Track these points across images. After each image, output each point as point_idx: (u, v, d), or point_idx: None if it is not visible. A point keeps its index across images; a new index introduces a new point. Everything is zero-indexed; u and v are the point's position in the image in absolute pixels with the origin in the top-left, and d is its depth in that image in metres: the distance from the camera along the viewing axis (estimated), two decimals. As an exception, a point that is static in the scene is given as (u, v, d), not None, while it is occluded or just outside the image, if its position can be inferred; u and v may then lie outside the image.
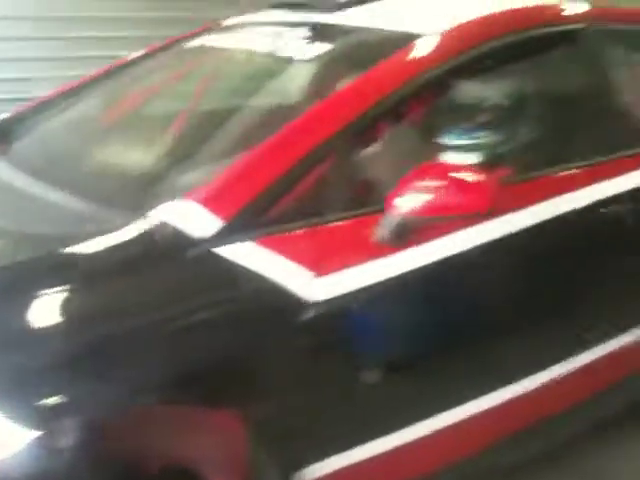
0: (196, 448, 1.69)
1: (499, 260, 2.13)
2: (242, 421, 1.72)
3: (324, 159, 1.92)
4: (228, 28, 2.78)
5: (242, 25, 2.73)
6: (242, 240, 1.76)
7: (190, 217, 1.77)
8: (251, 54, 2.46)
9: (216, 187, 1.82)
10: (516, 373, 2.23)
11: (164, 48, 2.83)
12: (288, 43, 2.33)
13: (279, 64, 2.41)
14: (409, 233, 1.92)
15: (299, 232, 1.85)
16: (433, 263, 1.96)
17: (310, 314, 1.79)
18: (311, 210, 1.90)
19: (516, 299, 2.19)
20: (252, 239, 1.78)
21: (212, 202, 1.78)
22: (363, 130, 2.00)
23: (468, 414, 2.11)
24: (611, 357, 2.44)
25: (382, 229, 1.90)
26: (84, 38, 4.81)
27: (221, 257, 1.75)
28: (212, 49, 2.66)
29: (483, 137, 2.28)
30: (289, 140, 1.92)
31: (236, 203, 1.79)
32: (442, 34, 2.24)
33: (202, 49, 2.70)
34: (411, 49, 2.16)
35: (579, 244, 2.30)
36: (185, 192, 1.82)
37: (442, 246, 1.98)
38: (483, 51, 2.24)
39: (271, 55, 2.35)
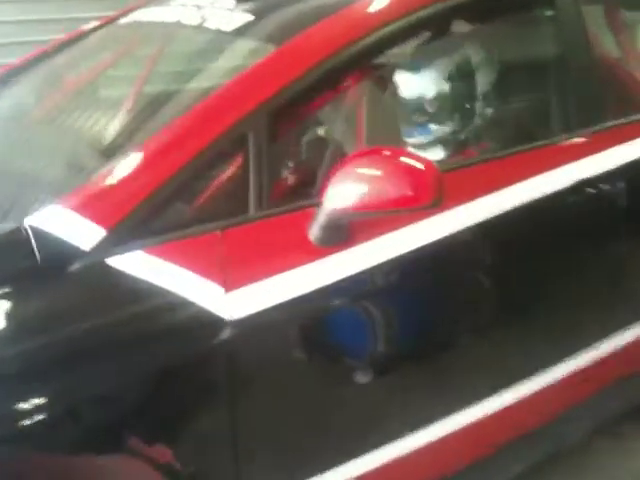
0: None
1: (456, 260, 1.82)
2: (155, 463, 1.46)
3: (237, 148, 1.60)
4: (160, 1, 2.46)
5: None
6: (131, 250, 1.47)
7: (71, 225, 1.47)
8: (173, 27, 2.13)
9: (96, 190, 1.52)
10: (489, 385, 1.94)
11: (95, 29, 2.50)
12: (214, 15, 2.01)
13: (202, 37, 2.08)
14: (347, 230, 1.61)
15: (211, 236, 1.54)
16: (376, 266, 1.65)
17: (225, 335, 1.48)
18: (225, 209, 1.59)
19: (479, 306, 1.89)
20: (145, 248, 1.48)
21: (91, 208, 1.49)
22: (286, 110, 1.67)
23: (425, 440, 1.82)
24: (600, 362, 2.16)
25: (315, 227, 1.59)
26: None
27: (111, 270, 1.45)
28: (142, 25, 2.33)
29: (438, 130, 2.03)
30: (188, 129, 1.60)
31: (120, 208, 1.49)
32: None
33: (133, 25, 2.37)
34: (345, 13, 1.83)
35: (554, 235, 1.97)
36: (68, 195, 1.52)
37: (387, 244, 1.66)
38: (432, 14, 1.90)
39: (190, 27, 2.03)
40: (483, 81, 2.06)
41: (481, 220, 1.79)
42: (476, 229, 1.79)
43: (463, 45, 2.05)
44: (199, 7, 2.12)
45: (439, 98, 2.01)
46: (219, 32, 1.95)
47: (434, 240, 1.72)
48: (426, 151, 2.02)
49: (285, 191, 1.78)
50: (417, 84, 2.02)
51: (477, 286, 1.90)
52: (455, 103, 2.03)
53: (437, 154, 2.04)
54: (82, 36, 2.47)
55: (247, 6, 2.04)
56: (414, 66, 2.03)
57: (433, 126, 2.01)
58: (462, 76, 2.03)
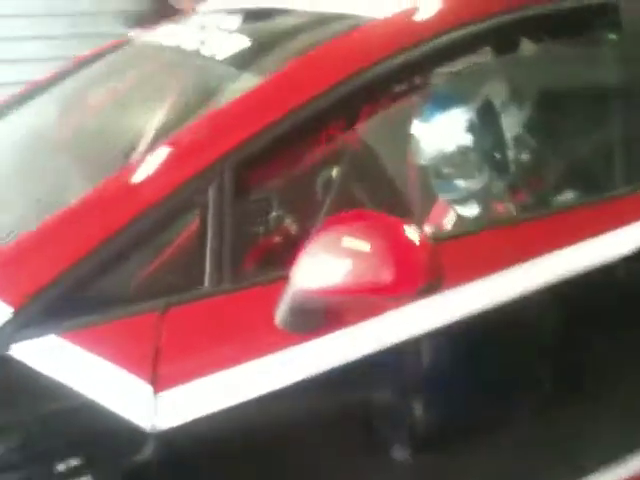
0: None
1: (452, 356, 1.45)
2: None
3: (193, 206, 1.31)
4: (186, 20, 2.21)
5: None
6: (44, 334, 1.19)
7: None
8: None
9: (6, 256, 1.25)
10: None
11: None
12: (213, 38, 1.74)
13: (192, 66, 1.80)
14: (323, 313, 1.28)
15: (147, 317, 1.24)
16: (361, 359, 1.31)
17: (148, 451, 1.18)
18: (174, 283, 1.31)
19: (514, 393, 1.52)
20: (62, 333, 1.20)
21: None
22: (262, 160, 1.36)
23: None
24: None
25: (282, 308, 1.27)
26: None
27: (11, 361, 1.17)
28: (147, 48, 2.08)
29: (467, 186, 1.74)
30: (135, 182, 1.32)
31: (33, 280, 1.21)
32: (406, 13, 1.57)
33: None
34: (359, 34, 1.52)
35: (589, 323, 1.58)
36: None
37: (376, 331, 1.33)
38: (468, 35, 1.55)
39: (186, 53, 1.76)
40: (512, 123, 1.72)
41: (511, 297, 1.43)
42: (501, 309, 1.43)
43: (483, 86, 1.72)
44: (203, 28, 1.86)
45: (461, 153, 1.70)
46: (212, 60, 1.67)
47: (443, 324, 1.38)
48: (460, 207, 1.75)
49: (270, 257, 1.47)
50: (433, 136, 1.72)
51: (505, 377, 1.53)
52: (481, 155, 1.71)
53: (471, 210, 1.73)
54: (101, 54, 2.25)
55: (250, 26, 1.77)
56: (426, 116, 1.72)
57: (460, 182, 1.71)
58: (485, 123, 1.70)
